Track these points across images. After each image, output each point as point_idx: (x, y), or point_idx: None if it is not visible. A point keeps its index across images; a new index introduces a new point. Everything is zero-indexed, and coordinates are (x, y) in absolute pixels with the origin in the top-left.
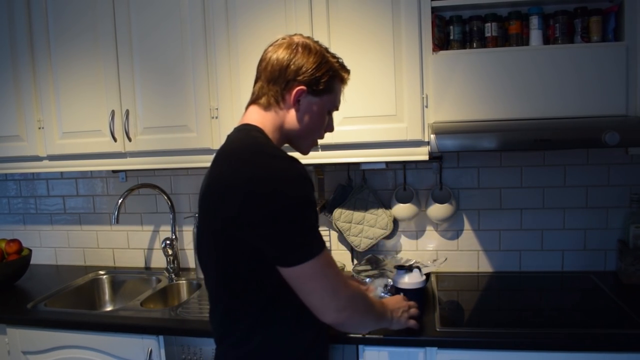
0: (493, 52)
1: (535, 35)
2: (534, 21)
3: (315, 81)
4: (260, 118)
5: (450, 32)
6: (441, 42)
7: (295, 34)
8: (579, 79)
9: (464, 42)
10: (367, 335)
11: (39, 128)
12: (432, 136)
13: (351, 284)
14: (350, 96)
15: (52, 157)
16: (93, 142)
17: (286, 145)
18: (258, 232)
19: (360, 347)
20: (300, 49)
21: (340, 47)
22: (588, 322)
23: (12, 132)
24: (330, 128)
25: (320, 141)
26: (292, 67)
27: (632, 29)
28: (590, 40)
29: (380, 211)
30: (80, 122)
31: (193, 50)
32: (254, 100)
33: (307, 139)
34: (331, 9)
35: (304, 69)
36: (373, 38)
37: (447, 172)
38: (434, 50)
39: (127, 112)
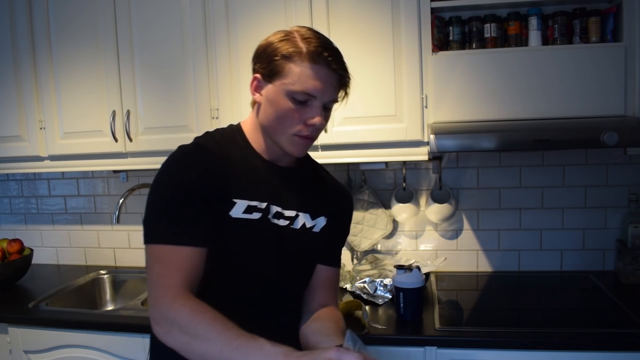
0: (492, 53)
1: (534, 35)
2: (533, 22)
3: (266, 65)
4: (247, 117)
5: (449, 32)
6: (441, 43)
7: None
8: (578, 80)
9: (464, 43)
10: (366, 335)
11: (40, 128)
12: (432, 136)
13: (187, 298)
14: (350, 96)
15: (53, 157)
16: (94, 142)
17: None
18: None
19: None
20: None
21: (340, 48)
22: (587, 322)
23: (13, 132)
24: (317, 121)
25: (320, 141)
26: (254, 55)
27: (631, 29)
28: (589, 41)
29: (380, 211)
30: (82, 123)
31: (193, 51)
32: None
33: (279, 132)
34: (331, 10)
35: (257, 55)
36: (373, 38)
37: (447, 172)
38: (433, 50)
39: (128, 112)
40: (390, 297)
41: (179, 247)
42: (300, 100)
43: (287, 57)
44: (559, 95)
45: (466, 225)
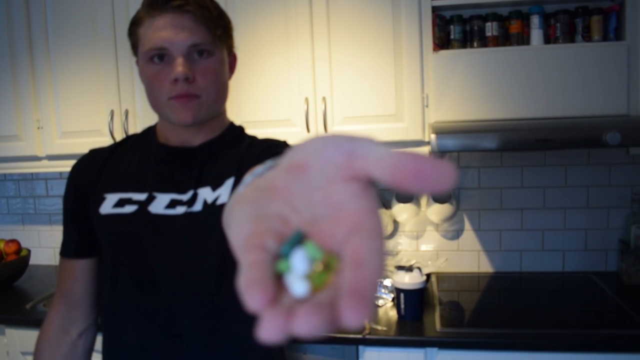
0: (494, 52)
1: (536, 34)
2: (535, 20)
3: (131, 47)
4: None
5: (450, 31)
6: (442, 42)
7: None
8: (580, 79)
9: (465, 42)
10: (367, 336)
11: (38, 128)
12: (433, 136)
13: (45, 320)
14: (350, 95)
15: (51, 157)
16: (92, 142)
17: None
18: None
19: (360, 347)
20: None
21: (341, 47)
22: (589, 323)
23: (10, 131)
24: (178, 71)
25: None
26: None
27: (634, 28)
28: (592, 39)
29: (380, 211)
30: (79, 122)
31: None
32: None
33: (158, 104)
34: (331, 9)
35: None
36: (373, 37)
37: None
38: (434, 49)
39: (127, 111)
40: (391, 298)
41: (62, 259)
42: (157, 59)
43: (135, 24)
44: (561, 95)
45: (467, 225)
